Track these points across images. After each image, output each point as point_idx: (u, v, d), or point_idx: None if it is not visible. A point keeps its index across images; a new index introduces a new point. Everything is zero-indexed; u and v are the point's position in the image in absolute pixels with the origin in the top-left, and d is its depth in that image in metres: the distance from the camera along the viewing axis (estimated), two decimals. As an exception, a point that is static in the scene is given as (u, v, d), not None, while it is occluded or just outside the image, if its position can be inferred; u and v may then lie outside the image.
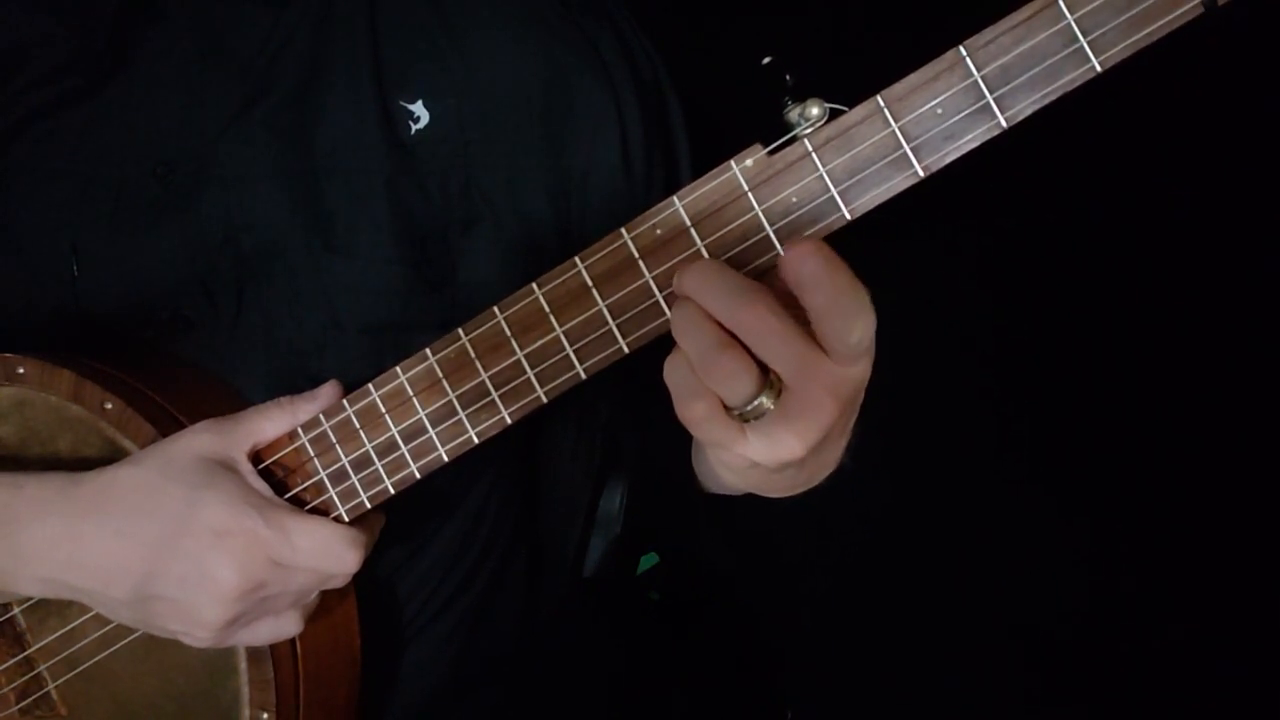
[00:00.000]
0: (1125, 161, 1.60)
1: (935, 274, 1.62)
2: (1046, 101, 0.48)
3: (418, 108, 0.73)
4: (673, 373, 0.51)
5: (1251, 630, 1.49)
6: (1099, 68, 0.47)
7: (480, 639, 0.82)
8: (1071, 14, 0.47)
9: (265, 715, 0.66)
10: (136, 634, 0.69)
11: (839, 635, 1.53)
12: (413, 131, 0.73)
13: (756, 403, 0.49)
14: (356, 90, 0.73)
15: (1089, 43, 0.47)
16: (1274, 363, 1.56)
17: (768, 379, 0.49)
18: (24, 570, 0.62)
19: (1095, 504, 1.59)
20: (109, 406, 0.67)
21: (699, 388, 0.49)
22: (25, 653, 0.71)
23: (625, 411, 0.81)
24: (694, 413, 0.50)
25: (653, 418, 0.77)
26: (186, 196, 0.73)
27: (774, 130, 0.53)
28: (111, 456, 0.67)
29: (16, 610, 0.71)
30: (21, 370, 0.69)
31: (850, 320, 0.47)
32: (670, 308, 0.55)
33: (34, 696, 0.72)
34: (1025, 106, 0.49)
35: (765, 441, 0.50)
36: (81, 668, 0.70)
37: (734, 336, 0.49)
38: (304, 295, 0.72)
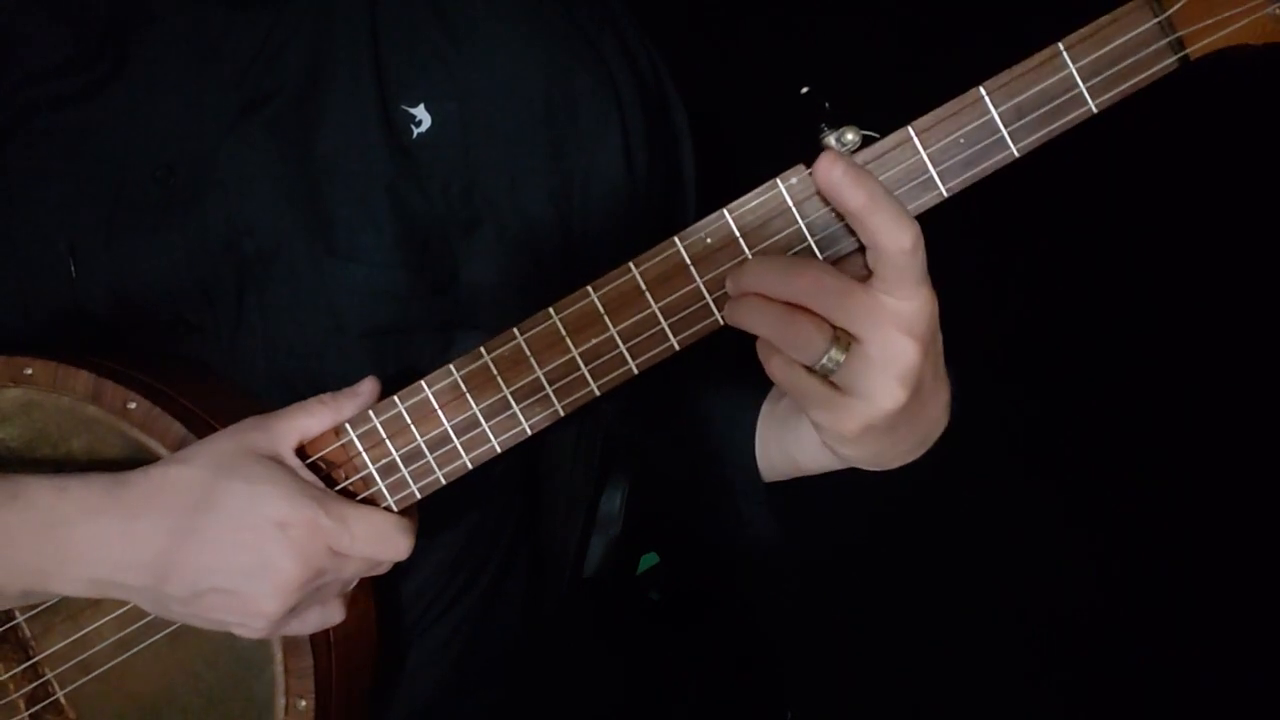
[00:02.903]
0: (1130, 161, 1.60)
1: (939, 271, 1.60)
2: (1052, 136, 0.58)
3: (419, 111, 0.75)
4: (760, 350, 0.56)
5: (1257, 629, 1.50)
6: (1095, 109, 0.57)
7: (483, 638, 0.85)
8: (1073, 64, 0.57)
9: (303, 703, 0.68)
10: (158, 636, 0.69)
11: (839, 635, 1.52)
12: (415, 135, 0.75)
13: (827, 357, 0.54)
14: (358, 94, 0.74)
15: (1087, 88, 0.57)
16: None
17: (836, 335, 0.54)
18: (70, 571, 0.62)
19: (1098, 504, 1.60)
20: (132, 406, 0.67)
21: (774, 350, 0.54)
22: (31, 660, 0.70)
23: (633, 411, 0.85)
24: (776, 369, 0.55)
25: (660, 415, 0.83)
26: (187, 200, 0.73)
27: (812, 152, 0.61)
28: (134, 457, 0.68)
29: (21, 619, 0.70)
30: (29, 371, 0.68)
31: (896, 216, 0.51)
32: (718, 310, 0.61)
33: (42, 704, 0.70)
34: (1035, 140, 0.58)
35: (863, 400, 0.53)
36: (96, 672, 0.70)
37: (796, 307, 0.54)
38: (305, 299, 0.73)
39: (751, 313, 0.55)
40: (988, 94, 0.58)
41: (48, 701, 0.70)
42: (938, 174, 0.59)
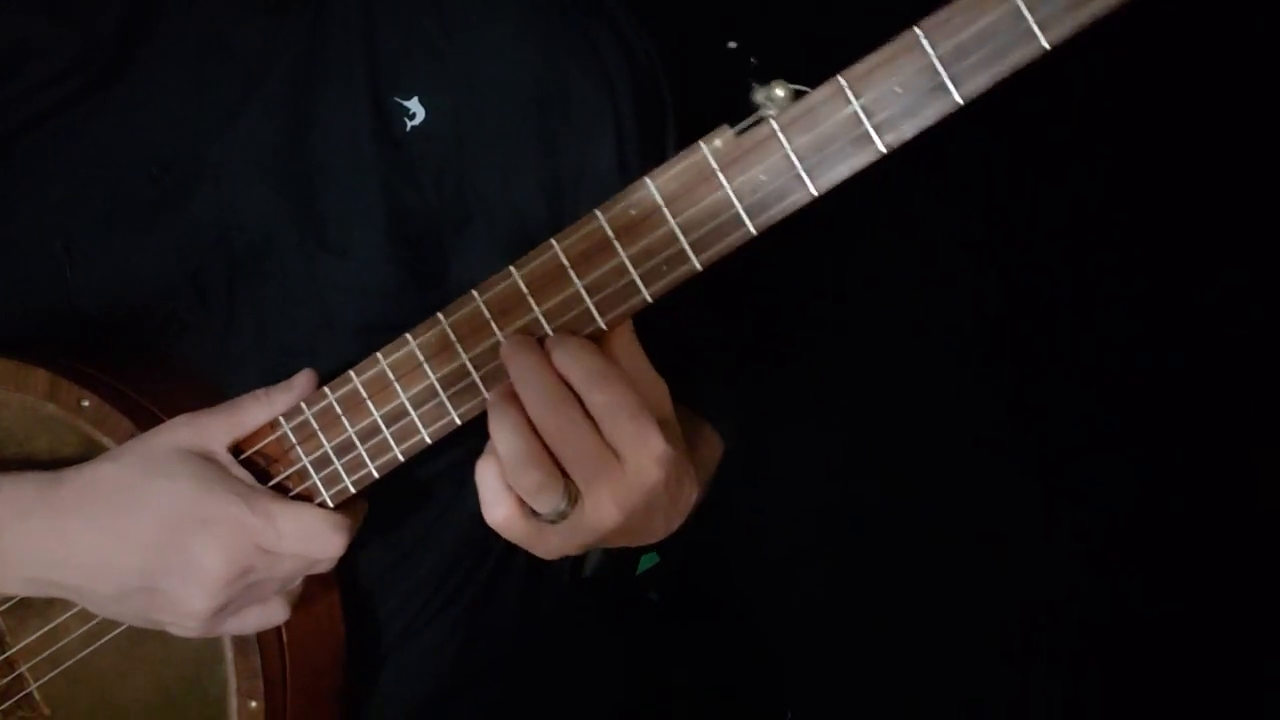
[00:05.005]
0: (1125, 149, 1.53)
1: (926, 264, 1.52)
2: (999, 78, 0.51)
3: (413, 104, 0.73)
4: (483, 477, 0.57)
5: (1253, 629, 1.45)
6: (1046, 45, 0.50)
7: (480, 637, 0.83)
8: (1019, -6, 0.50)
9: (254, 704, 0.67)
10: (120, 629, 0.69)
11: (839, 635, 1.51)
12: (408, 128, 0.73)
13: (561, 509, 0.56)
14: (351, 88, 0.73)
15: (1036, 21, 0.50)
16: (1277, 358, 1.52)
17: (567, 485, 0.55)
18: (7, 571, 0.62)
19: (1097, 500, 1.56)
20: (86, 404, 0.67)
21: (507, 495, 0.56)
22: (5, 654, 0.71)
23: None
24: (498, 517, 0.57)
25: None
26: (180, 197, 0.72)
27: (741, 112, 0.56)
28: (89, 454, 0.68)
29: (-5, 612, 0.71)
30: (-5, 371, 0.69)
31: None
32: (646, 286, 0.57)
33: (15, 698, 0.71)
34: (979, 84, 0.51)
35: (559, 542, 0.58)
36: (65, 666, 0.70)
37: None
38: (297, 295, 0.73)
39: (505, 433, 0.55)
40: (925, 34, 0.51)
41: (20, 695, 0.71)
42: (873, 128, 0.53)
